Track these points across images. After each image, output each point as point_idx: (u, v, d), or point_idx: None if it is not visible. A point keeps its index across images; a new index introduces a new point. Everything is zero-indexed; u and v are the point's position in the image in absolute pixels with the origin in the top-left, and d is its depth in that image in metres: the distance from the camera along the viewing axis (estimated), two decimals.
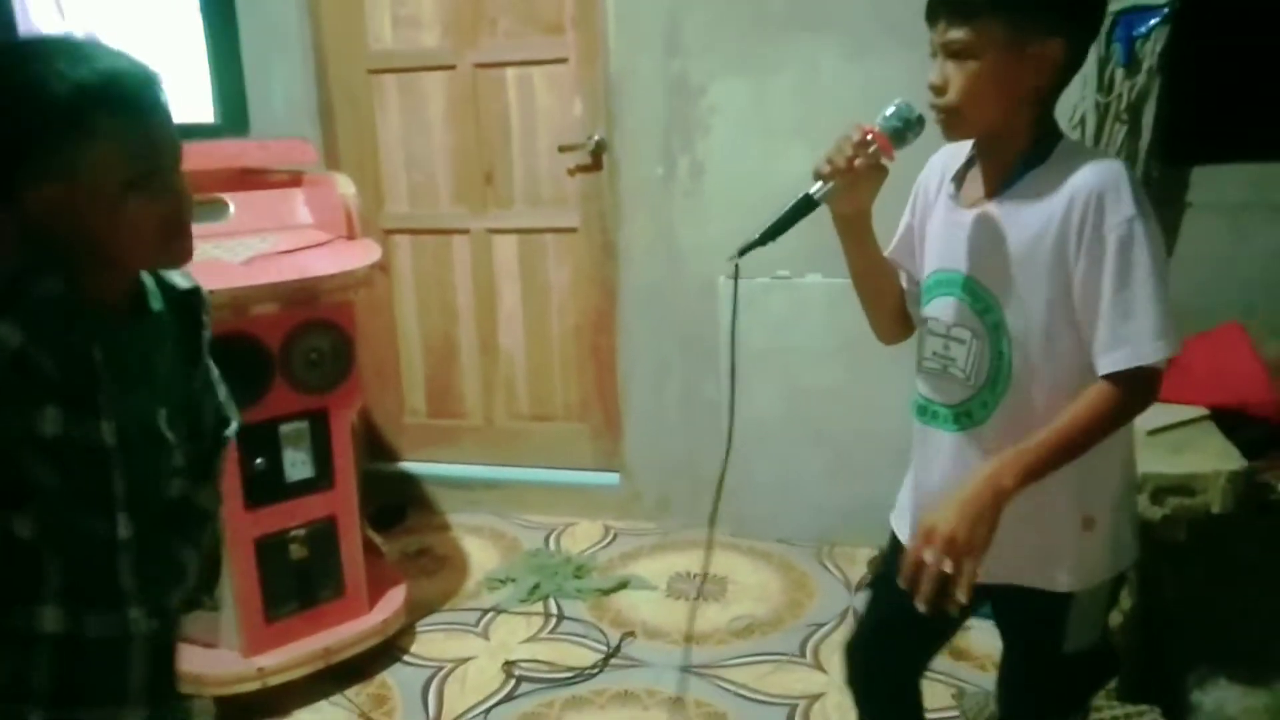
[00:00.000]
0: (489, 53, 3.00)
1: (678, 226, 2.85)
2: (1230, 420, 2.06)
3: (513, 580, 2.71)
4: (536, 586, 2.66)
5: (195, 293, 1.18)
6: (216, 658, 2.12)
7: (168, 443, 1.10)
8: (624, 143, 2.86)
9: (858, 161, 1.19)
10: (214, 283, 1.92)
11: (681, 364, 2.94)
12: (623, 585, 2.67)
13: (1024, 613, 1.32)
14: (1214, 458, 1.86)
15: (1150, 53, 2.34)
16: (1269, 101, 2.47)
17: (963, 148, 1.28)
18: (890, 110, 1.23)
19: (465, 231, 3.15)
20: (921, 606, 1.11)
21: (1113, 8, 2.36)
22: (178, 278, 1.16)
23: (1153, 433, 1.99)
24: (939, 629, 1.38)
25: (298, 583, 2.19)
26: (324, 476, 2.20)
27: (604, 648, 2.38)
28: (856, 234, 1.32)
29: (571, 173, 3.00)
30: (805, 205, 1.23)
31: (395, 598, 2.40)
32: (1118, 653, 1.39)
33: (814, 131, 2.61)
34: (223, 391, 1.28)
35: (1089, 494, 1.23)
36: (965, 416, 1.26)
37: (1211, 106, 2.47)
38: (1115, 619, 1.90)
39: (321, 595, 2.23)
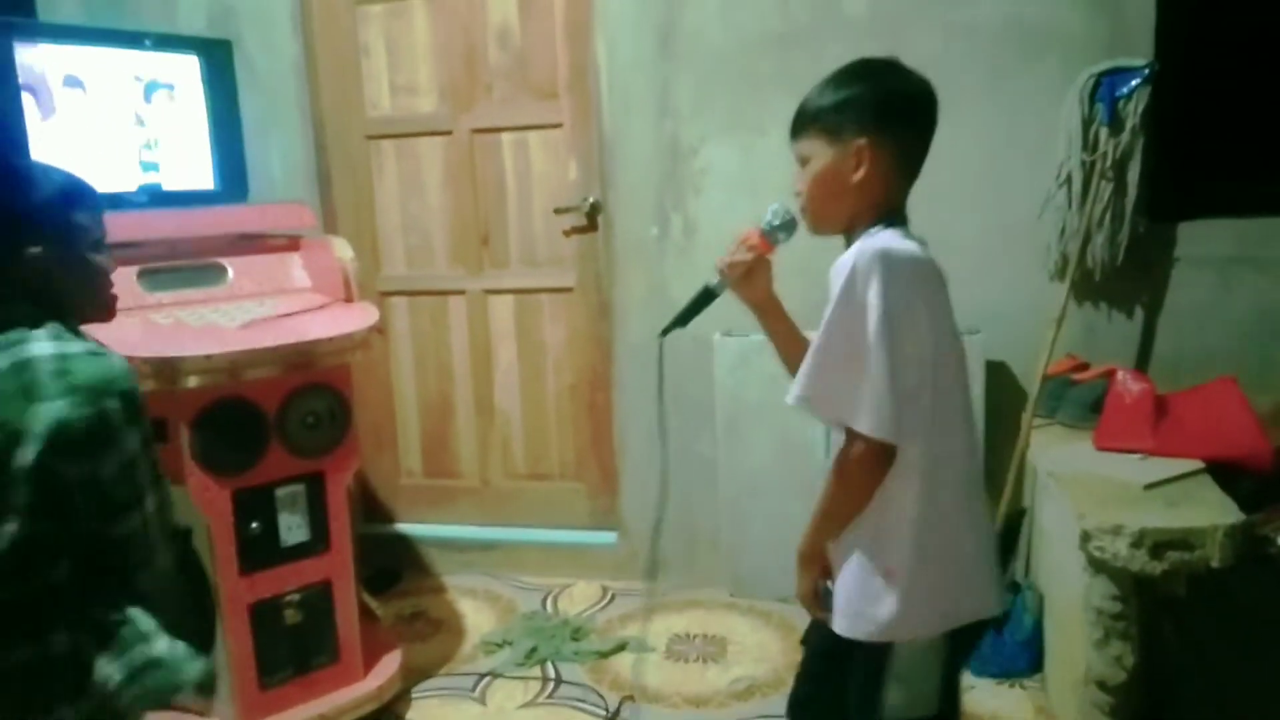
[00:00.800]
0: (485, 118, 3.05)
1: (672, 284, 2.88)
2: (1226, 473, 2.07)
3: (509, 643, 2.68)
4: (534, 650, 2.62)
5: None
6: None
7: None
8: (618, 204, 2.90)
9: (738, 258, 1.43)
10: (211, 346, 1.95)
11: (677, 423, 2.94)
12: (621, 647, 2.64)
13: (851, 659, 1.36)
14: (1211, 511, 1.87)
15: (1133, 112, 2.39)
16: (1250, 158, 2.52)
17: None
18: (768, 215, 1.44)
19: (461, 292, 3.18)
20: None
21: (1095, 69, 2.43)
22: None
23: (1149, 487, 1.99)
24: None
25: (292, 649, 2.16)
26: (320, 540, 2.19)
27: (603, 712, 2.35)
28: (767, 314, 1.49)
29: (567, 234, 3.04)
30: (707, 294, 1.47)
31: (390, 663, 2.37)
32: None
33: None
34: None
35: (881, 545, 1.31)
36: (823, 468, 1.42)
37: (1194, 164, 2.52)
38: (1118, 675, 1.89)
39: (316, 661, 2.20)
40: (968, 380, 1.36)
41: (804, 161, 1.35)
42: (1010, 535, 2.58)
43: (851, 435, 1.26)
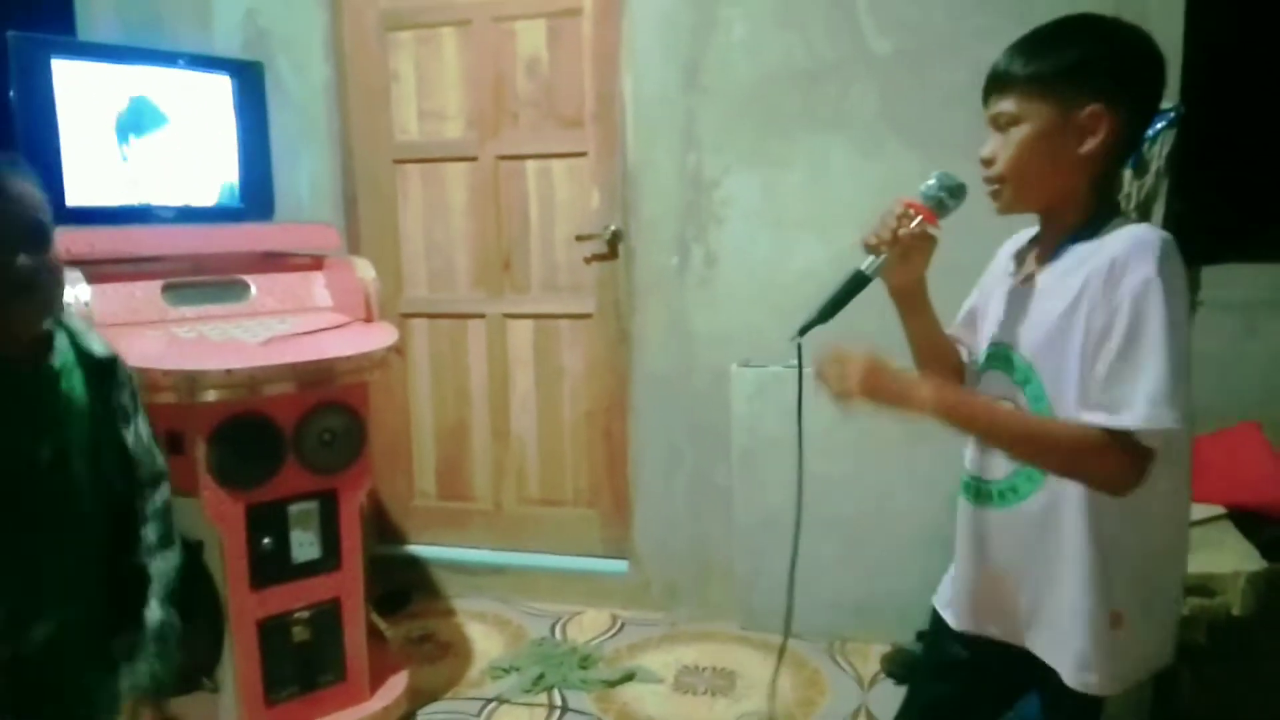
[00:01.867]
0: (510, 145, 3.09)
1: (691, 315, 2.89)
2: (1248, 520, 2.04)
3: (517, 669, 2.66)
4: (541, 676, 2.60)
5: (111, 360, 1.36)
6: None
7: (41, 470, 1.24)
8: (639, 233, 2.91)
9: (901, 232, 1.22)
10: (232, 361, 1.97)
11: (692, 451, 2.94)
12: (629, 677, 2.62)
13: (1058, 710, 1.26)
14: (1233, 558, 1.84)
15: (1158, 155, 2.39)
16: (1277, 202, 2.51)
17: (1030, 230, 1.30)
18: (931, 181, 1.25)
19: (481, 316, 3.19)
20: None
21: None
22: (95, 345, 1.34)
23: None
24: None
25: (299, 666, 2.15)
26: (331, 558, 2.19)
27: None
28: (912, 306, 1.33)
29: (588, 261, 3.05)
30: (858, 280, 1.24)
31: (397, 685, 2.36)
32: None
33: (823, 225, 2.67)
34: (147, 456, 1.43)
35: (1116, 589, 1.17)
36: (1011, 492, 1.24)
37: (1219, 207, 2.51)
38: None
39: (322, 679, 2.19)
40: None
41: (1006, 124, 1.17)
42: None
43: (1110, 433, 1.08)
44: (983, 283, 1.40)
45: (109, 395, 1.34)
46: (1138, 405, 1.07)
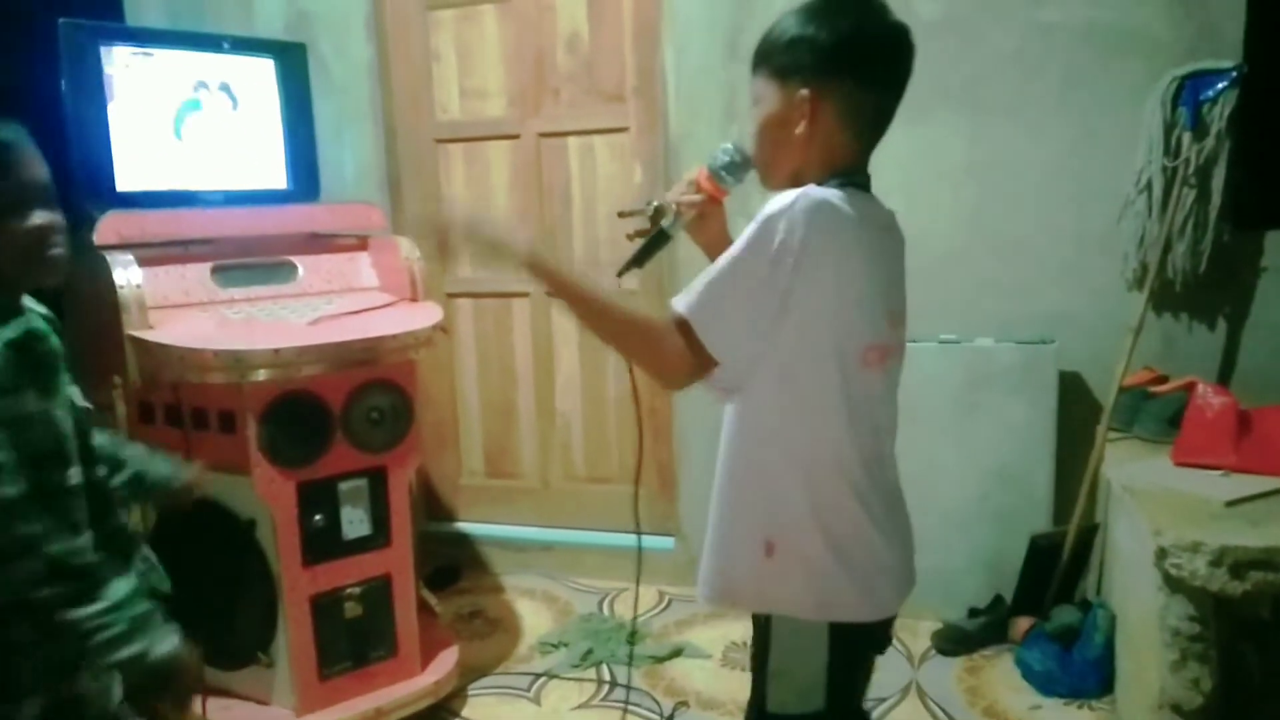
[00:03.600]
0: (552, 122, 3.07)
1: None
2: None
3: (565, 645, 2.68)
4: (589, 652, 2.62)
5: (55, 320, 1.38)
6: (269, 715, 2.12)
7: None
8: None
9: (687, 200, 1.34)
10: (280, 341, 1.99)
11: None
12: (677, 653, 2.62)
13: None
14: None
15: (1218, 116, 2.31)
16: None
17: None
18: (719, 152, 1.33)
19: (525, 295, 3.20)
20: None
21: (1179, 72, 2.34)
22: (40, 308, 1.36)
23: (1231, 504, 1.91)
24: None
25: (351, 641, 2.18)
26: (381, 535, 2.22)
27: (657, 717, 2.33)
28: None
29: (630, 237, 3.02)
30: (660, 236, 1.37)
31: (447, 659, 2.38)
32: None
33: None
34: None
35: (768, 518, 1.22)
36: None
37: None
38: (1194, 699, 1.81)
39: (374, 655, 2.23)
40: (895, 378, 1.26)
41: (755, 102, 1.23)
42: (1082, 551, 2.50)
43: (674, 318, 1.17)
44: None
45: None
46: (688, 295, 1.16)
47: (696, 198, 1.33)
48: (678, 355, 1.17)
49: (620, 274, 1.38)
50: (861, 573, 1.22)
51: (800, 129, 1.18)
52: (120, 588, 1.18)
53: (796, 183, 1.17)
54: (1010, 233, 2.62)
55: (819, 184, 1.15)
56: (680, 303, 1.16)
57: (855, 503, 1.21)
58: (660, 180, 2.94)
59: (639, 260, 1.38)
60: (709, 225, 1.36)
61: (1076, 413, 2.54)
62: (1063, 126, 2.53)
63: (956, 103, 2.56)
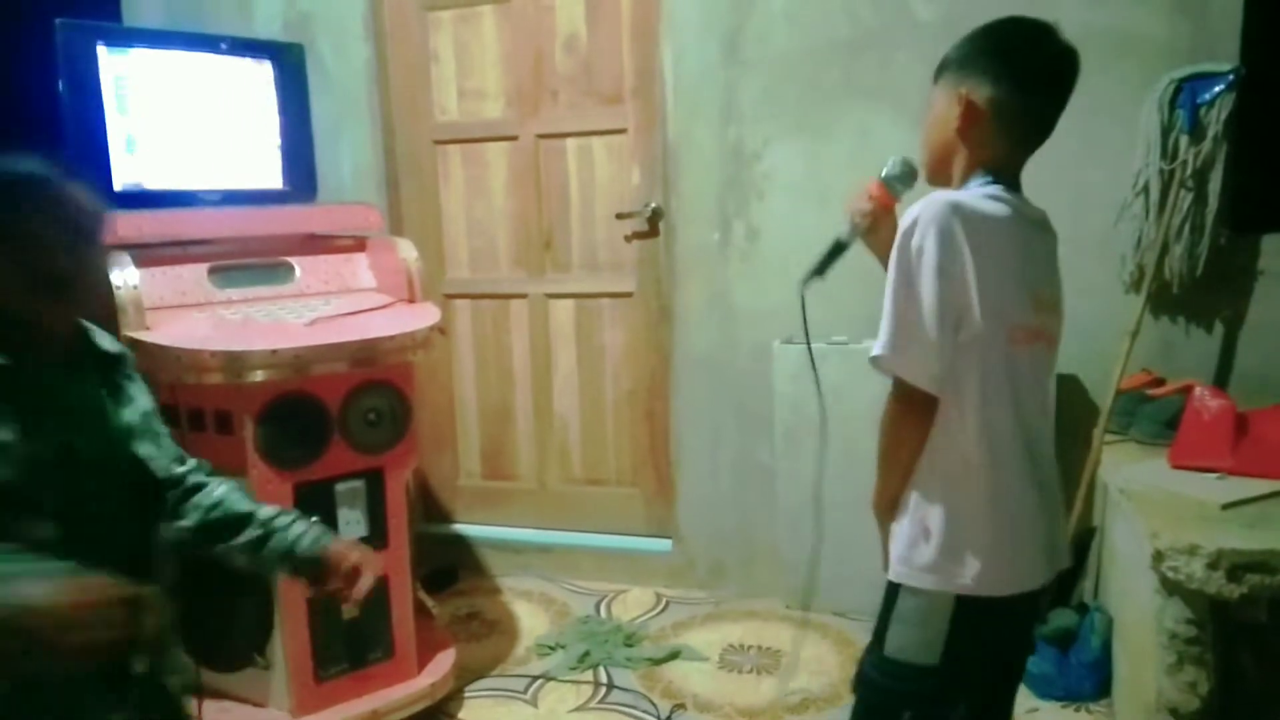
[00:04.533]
0: (550, 123, 3.07)
1: (733, 291, 2.86)
2: None
3: (562, 647, 2.68)
4: (586, 654, 2.62)
5: (121, 355, 1.39)
6: (265, 718, 2.12)
7: (81, 463, 1.23)
8: (680, 209, 2.89)
9: (864, 208, 1.42)
10: (277, 342, 1.98)
11: (735, 431, 2.92)
12: (674, 655, 2.62)
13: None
14: None
15: (1215, 119, 2.31)
16: None
17: None
18: (889, 163, 1.43)
19: (523, 296, 3.20)
20: None
21: (1176, 74, 2.35)
22: (105, 342, 1.37)
23: (1227, 506, 1.91)
24: None
25: (348, 643, 2.18)
26: (378, 536, 2.21)
27: (654, 719, 2.33)
28: None
29: (628, 239, 3.04)
30: (837, 246, 1.43)
31: (444, 661, 2.38)
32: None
33: None
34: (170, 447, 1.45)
35: (924, 508, 1.30)
36: None
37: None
38: (1191, 702, 1.82)
39: (371, 656, 2.22)
40: (1043, 362, 1.35)
41: (929, 106, 1.35)
42: (1079, 554, 2.50)
43: (896, 382, 1.27)
44: None
45: (120, 386, 1.36)
46: (879, 338, 1.25)
47: (868, 206, 1.41)
48: (908, 402, 1.27)
49: (804, 285, 1.44)
50: (997, 550, 1.28)
51: (956, 125, 1.28)
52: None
53: (951, 180, 1.32)
54: None
55: (967, 182, 1.29)
56: (877, 350, 1.25)
57: (991, 476, 1.26)
58: (658, 182, 2.94)
59: (820, 270, 1.44)
60: (882, 233, 1.40)
61: (1073, 415, 2.54)
62: (1059, 130, 2.52)
63: None
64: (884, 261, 1.39)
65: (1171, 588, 1.81)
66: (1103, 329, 2.50)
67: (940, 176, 1.35)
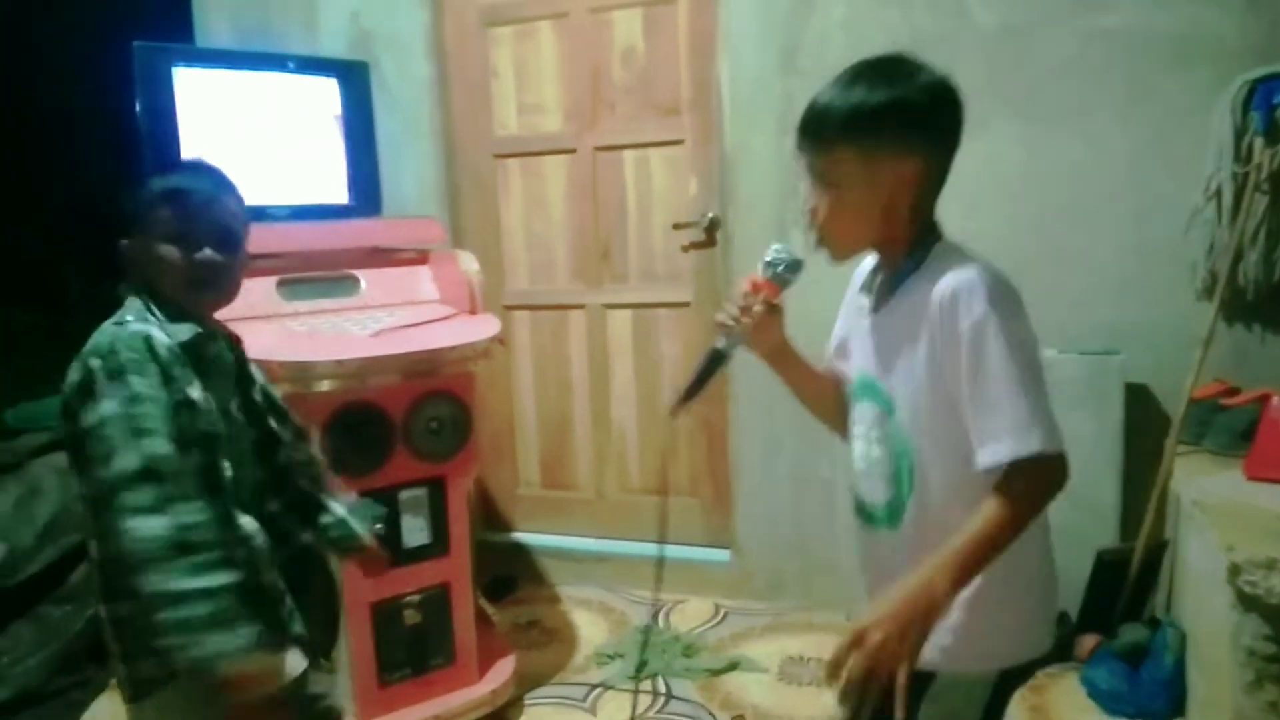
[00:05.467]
0: (608, 136, 3.10)
1: (790, 301, 2.84)
2: None
3: (621, 656, 2.68)
4: (645, 664, 2.62)
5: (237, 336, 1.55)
6: None
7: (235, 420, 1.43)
8: (737, 218, 2.89)
9: (755, 309, 1.30)
10: (343, 353, 2.03)
11: (793, 441, 2.90)
12: (733, 666, 2.61)
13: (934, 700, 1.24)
14: None
15: None
16: None
17: (872, 257, 1.33)
18: (769, 257, 1.32)
19: (581, 307, 3.22)
20: (839, 705, 1.07)
21: (1250, 75, 2.29)
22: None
23: None
24: None
25: (410, 648, 2.21)
26: (439, 544, 2.24)
27: None
28: (784, 362, 1.40)
29: (685, 249, 3.04)
30: (717, 357, 1.32)
31: (504, 668, 2.40)
32: None
33: None
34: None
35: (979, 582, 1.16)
36: (894, 515, 1.26)
37: None
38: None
39: (433, 662, 2.25)
40: None
41: (821, 178, 1.19)
42: (1150, 568, 2.44)
43: (1019, 463, 1.10)
44: (844, 311, 1.43)
45: (244, 362, 1.53)
46: (1010, 435, 1.10)
47: (760, 307, 1.31)
48: (1027, 494, 1.12)
49: (674, 413, 1.38)
50: (1043, 610, 1.26)
51: (903, 197, 1.18)
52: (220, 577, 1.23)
53: (879, 244, 1.23)
54: (1073, 243, 2.57)
55: (913, 241, 1.20)
56: (1013, 450, 1.10)
57: (1045, 540, 1.25)
58: (715, 192, 2.94)
59: (694, 390, 1.34)
60: (770, 332, 1.35)
61: (1144, 426, 2.48)
62: (1126, 135, 2.48)
63: (1015, 112, 2.53)
64: (771, 360, 1.37)
65: (1249, 603, 1.76)
66: (1173, 338, 2.44)
67: (857, 250, 1.26)
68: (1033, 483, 1.12)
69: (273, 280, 2.25)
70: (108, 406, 1.23)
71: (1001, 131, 2.53)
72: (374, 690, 2.17)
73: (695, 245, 3.03)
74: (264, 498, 1.48)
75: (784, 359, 1.40)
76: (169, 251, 1.35)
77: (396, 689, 2.20)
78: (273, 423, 1.53)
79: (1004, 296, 1.13)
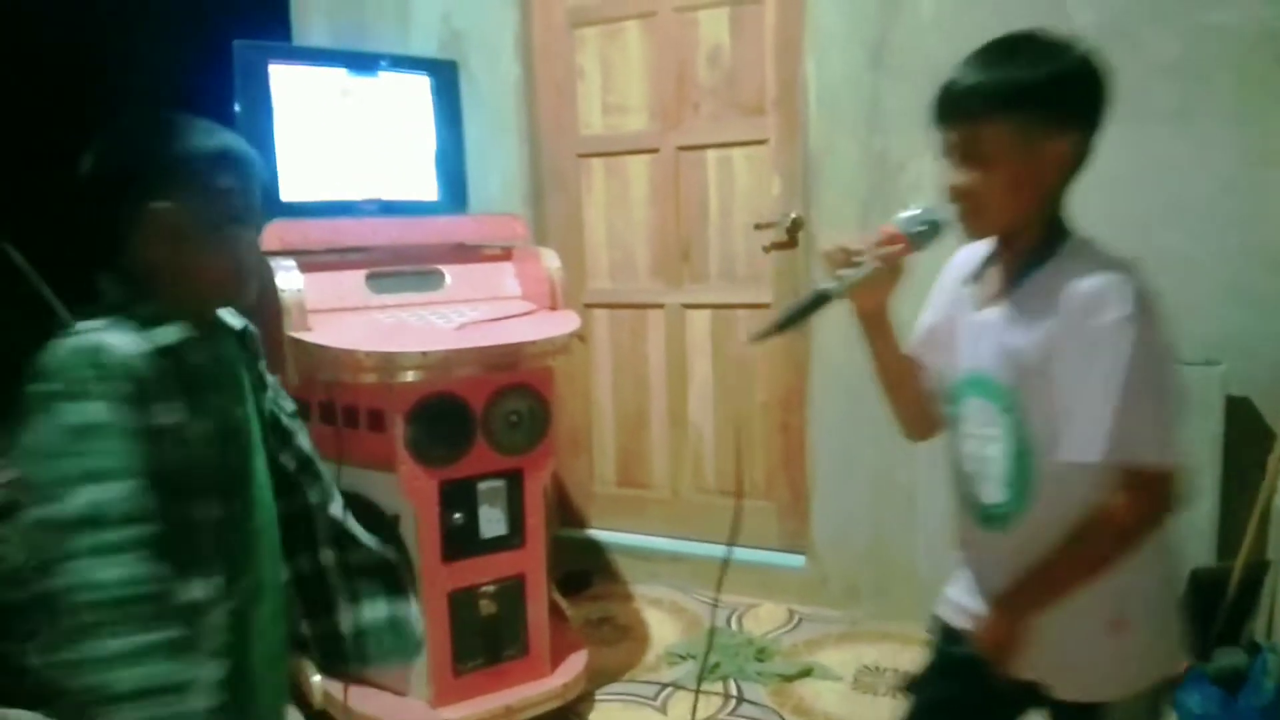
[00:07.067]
0: (691, 135, 3.10)
1: None
2: None
3: (693, 657, 2.67)
4: (717, 665, 2.60)
5: (245, 330, 1.33)
6: (404, 706, 2.19)
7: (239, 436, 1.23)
8: (821, 219, 2.85)
9: (879, 259, 1.23)
10: (428, 345, 2.07)
11: (872, 446, 2.85)
12: (806, 673, 2.58)
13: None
14: None
15: None
16: None
17: (980, 246, 1.28)
18: (914, 212, 1.25)
19: (660, 306, 3.22)
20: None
21: None
22: (228, 317, 1.30)
23: None
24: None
25: (485, 638, 2.24)
26: (516, 535, 2.27)
27: None
28: (877, 329, 1.34)
29: (767, 249, 3.02)
30: (820, 298, 1.25)
31: (576, 663, 2.41)
32: None
33: None
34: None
35: (1118, 594, 1.16)
36: (1007, 518, 1.22)
37: None
38: None
39: (507, 653, 2.28)
40: None
41: (971, 155, 1.15)
42: (1248, 590, 2.33)
43: (1136, 474, 1.09)
44: (935, 301, 1.37)
45: (252, 364, 1.33)
46: (1137, 440, 1.08)
47: (889, 259, 1.24)
48: (1141, 506, 1.10)
49: (760, 339, 1.30)
50: (1178, 624, 1.25)
51: (1053, 178, 1.16)
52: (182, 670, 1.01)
53: (1015, 229, 1.19)
54: (1175, 247, 2.47)
55: (1038, 232, 1.18)
56: (1143, 452, 1.09)
57: (1170, 556, 1.23)
58: (798, 193, 2.91)
59: (785, 325, 1.27)
60: (881, 290, 1.27)
61: (1244, 440, 2.37)
62: (1235, 136, 2.38)
63: (1117, 111, 2.44)
64: (869, 321, 1.31)
65: None
66: (1278, 349, 2.33)
67: (997, 231, 1.21)
68: (1144, 495, 1.10)
69: (362, 273, 2.30)
70: (47, 439, 1.01)
71: (1103, 131, 2.44)
72: (448, 678, 2.20)
73: (777, 246, 3.00)
74: (296, 542, 1.33)
75: (880, 326, 1.33)
76: (230, 230, 1.14)
77: (470, 678, 2.23)
78: (276, 450, 1.33)
79: (1149, 306, 1.10)
